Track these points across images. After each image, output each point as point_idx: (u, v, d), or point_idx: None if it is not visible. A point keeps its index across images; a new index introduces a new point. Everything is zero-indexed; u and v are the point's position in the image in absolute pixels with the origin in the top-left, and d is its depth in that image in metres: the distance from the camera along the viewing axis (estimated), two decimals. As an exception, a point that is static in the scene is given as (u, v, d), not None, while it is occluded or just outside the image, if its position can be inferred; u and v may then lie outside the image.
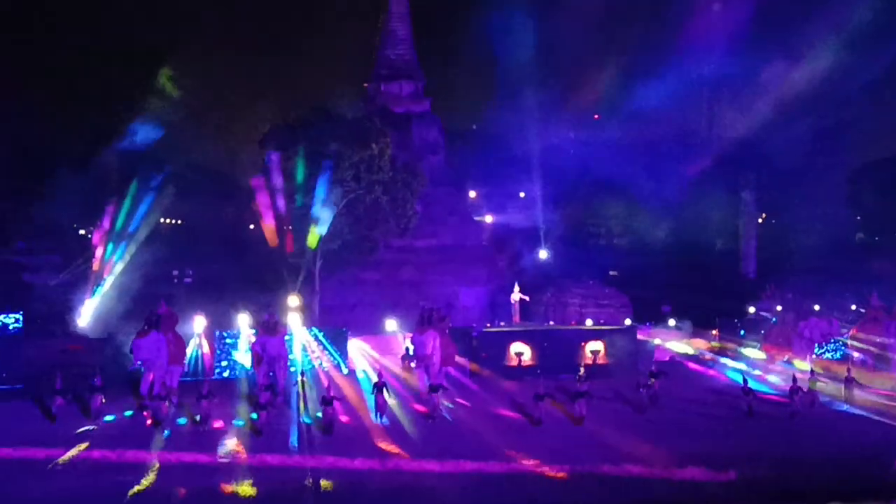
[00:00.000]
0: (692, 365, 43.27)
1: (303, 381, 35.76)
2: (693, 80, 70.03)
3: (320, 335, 39.84)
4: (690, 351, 45.26)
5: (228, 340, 38.58)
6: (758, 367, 42.05)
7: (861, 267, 55.10)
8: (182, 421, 31.20)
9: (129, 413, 32.06)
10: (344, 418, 31.34)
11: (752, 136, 63.25)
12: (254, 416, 31.37)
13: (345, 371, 39.05)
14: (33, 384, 34.16)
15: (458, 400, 34.89)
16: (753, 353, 44.43)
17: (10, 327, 37.80)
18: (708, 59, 68.85)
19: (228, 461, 26.73)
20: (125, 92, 54.09)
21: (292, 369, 36.72)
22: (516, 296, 50.14)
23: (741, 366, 41.60)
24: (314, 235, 46.88)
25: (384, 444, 28.62)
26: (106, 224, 47.69)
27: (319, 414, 31.32)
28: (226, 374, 37.96)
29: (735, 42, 64.72)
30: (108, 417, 31.49)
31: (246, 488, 24.71)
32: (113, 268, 46.69)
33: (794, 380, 34.59)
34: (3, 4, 54.92)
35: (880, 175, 62.17)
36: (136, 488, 24.23)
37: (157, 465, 25.89)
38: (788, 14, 62.91)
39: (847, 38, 60.09)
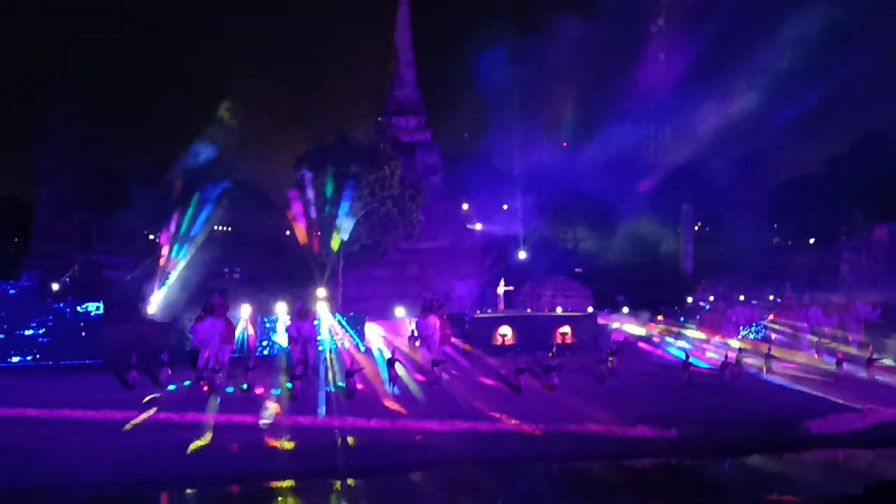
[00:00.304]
0: (643, 344, 43.42)
1: (329, 357, 36.02)
2: (644, 114, 70.48)
3: (343, 320, 39.90)
4: (642, 333, 45.44)
5: (269, 324, 38.73)
6: (696, 346, 42.27)
7: (778, 265, 55.24)
8: (230, 389, 31.28)
9: (188, 383, 32.17)
10: (362, 387, 31.43)
11: (691, 159, 63.41)
12: (289, 385, 31.46)
13: (362, 349, 39.16)
14: (112, 360, 34.40)
15: (453, 372, 35.06)
16: (694, 333, 44.62)
17: (93, 314, 37.80)
18: (656, 97, 69.20)
19: (270, 422, 26.82)
20: (190, 122, 54.39)
21: (321, 348, 36.77)
22: (501, 288, 50.17)
23: (683, 345, 41.80)
24: (337, 240, 46.92)
25: (394, 407, 28.67)
26: (171, 230, 47.79)
27: (343, 383, 31.46)
28: (266, 352, 38.07)
29: (678, 84, 65.18)
30: (171, 387, 31.62)
31: (285, 443, 24.82)
32: (176, 265, 46.72)
33: (726, 356, 34.76)
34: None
35: (794, 191, 62.33)
36: (196, 443, 24.27)
37: (213, 425, 25.96)
38: (721, 61, 63.33)
39: (770, 79, 60.47)
